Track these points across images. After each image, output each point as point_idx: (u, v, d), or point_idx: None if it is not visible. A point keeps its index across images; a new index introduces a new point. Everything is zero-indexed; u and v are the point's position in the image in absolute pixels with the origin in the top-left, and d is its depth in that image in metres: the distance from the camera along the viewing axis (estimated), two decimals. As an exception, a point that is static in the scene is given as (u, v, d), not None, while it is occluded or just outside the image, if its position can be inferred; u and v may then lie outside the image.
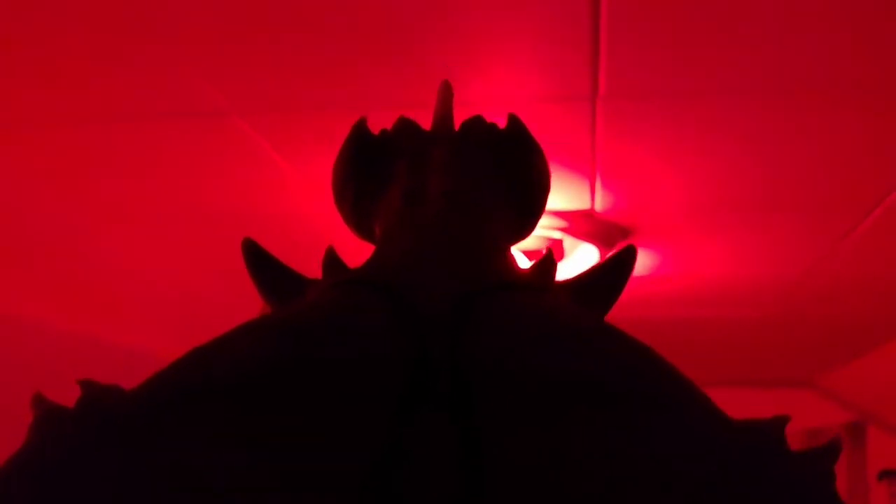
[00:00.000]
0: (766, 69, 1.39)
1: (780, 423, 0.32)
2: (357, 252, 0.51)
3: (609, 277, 0.50)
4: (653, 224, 2.12)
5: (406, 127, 0.58)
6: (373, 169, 0.54)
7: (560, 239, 2.09)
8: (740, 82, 1.43)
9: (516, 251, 0.54)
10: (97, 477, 0.25)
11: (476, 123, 0.58)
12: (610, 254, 0.50)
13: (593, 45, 1.31)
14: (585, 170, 1.79)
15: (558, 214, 2.02)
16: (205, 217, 2.19)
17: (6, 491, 0.26)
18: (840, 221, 2.10)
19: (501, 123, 0.58)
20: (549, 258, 0.51)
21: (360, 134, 0.56)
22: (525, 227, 0.55)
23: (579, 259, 2.16)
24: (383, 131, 0.57)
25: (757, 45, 1.31)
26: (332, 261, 0.49)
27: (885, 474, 4.24)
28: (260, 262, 0.49)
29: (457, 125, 0.58)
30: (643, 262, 2.45)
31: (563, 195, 1.92)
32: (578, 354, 0.35)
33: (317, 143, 1.68)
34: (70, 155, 1.80)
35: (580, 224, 2.06)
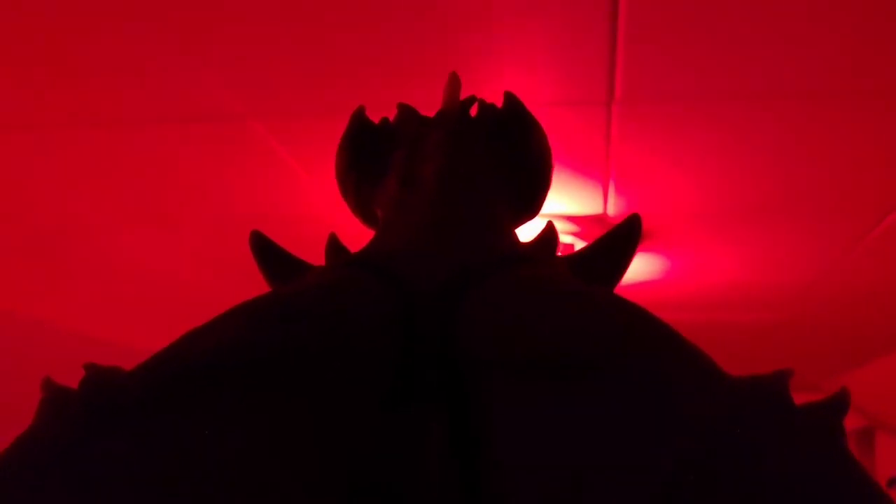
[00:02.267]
0: (781, 76, 1.39)
1: (782, 376, 0.31)
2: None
3: (614, 249, 0.48)
4: (665, 229, 2.12)
5: (405, 113, 0.58)
6: (372, 156, 0.55)
7: (572, 244, 2.09)
8: (756, 89, 1.44)
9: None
10: (100, 456, 0.26)
11: (472, 103, 0.58)
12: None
13: (610, 50, 1.32)
14: (599, 175, 1.79)
15: (571, 219, 2.03)
16: (220, 220, 2.19)
17: (13, 470, 0.26)
18: (850, 228, 2.10)
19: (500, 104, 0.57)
20: (549, 231, 0.51)
21: (358, 122, 0.57)
22: (529, 204, 0.54)
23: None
24: (384, 119, 0.58)
25: (772, 51, 1.32)
26: (333, 246, 0.50)
27: (894, 481, 4.22)
28: (266, 252, 0.50)
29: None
30: (654, 267, 2.46)
31: (577, 200, 1.93)
32: (572, 328, 0.34)
33: (333, 147, 1.68)
34: (89, 157, 1.81)
35: (593, 229, 2.06)
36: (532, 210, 0.55)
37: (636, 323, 0.35)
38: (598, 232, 2.07)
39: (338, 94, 1.49)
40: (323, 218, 2.01)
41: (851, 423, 4.66)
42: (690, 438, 0.27)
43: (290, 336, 0.33)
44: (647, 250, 2.28)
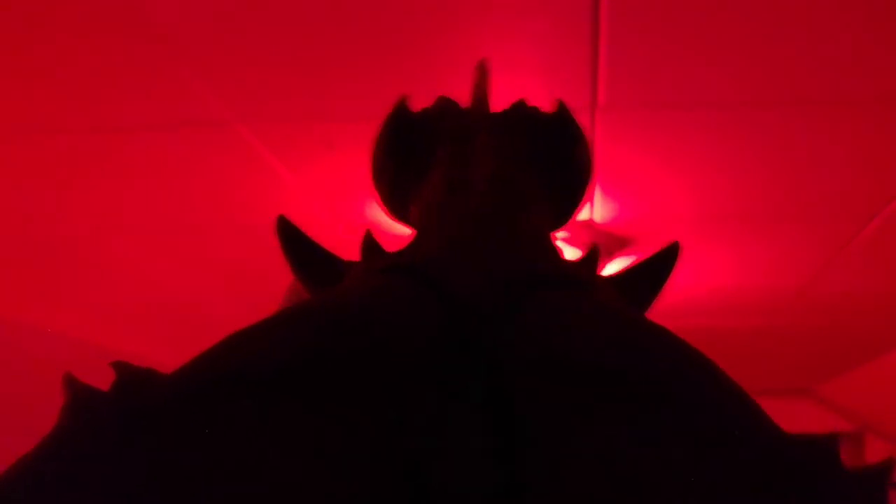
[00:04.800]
0: (765, 81, 1.39)
1: (834, 439, 0.30)
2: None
3: (653, 274, 0.49)
4: (652, 235, 2.12)
5: (447, 108, 0.56)
6: (413, 150, 0.53)
7: (561, 249, 2.09)
8: (740, 94, 1.44)
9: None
10: (133, 464, 0.25)
11: (521, 108, 0.56)
12: (617, 259, 0.49)
13: (592, 56, 1.32)
14: (584, 180, 1.79)
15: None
16: (206, 224, 2.18)
17: (41, 475, 0.25)
18: (838, 232, 2.11)
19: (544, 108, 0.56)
20: (594, 252, 0.50)
21: (401, 113, 0.55)
22: (565, 215, 0.54)
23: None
24: (424, 111, 0.56)
25: (756, 57, 1.32)
26: (370, 244, 0.48)
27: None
28: (295, 241, 0.47)
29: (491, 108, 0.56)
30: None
31: (563, 205, 1.93)
32: (626, 353, 0.34)
33: (318, 151, 1.68)
34: (72, 163, 1.80)
35: (580, 234, 2.06)
36: (564, 221, 0.54)
37: (693, 357, 0.35)
38: (586, 238, 2.07)
39: (324, 98, 1.49)
40: (311, 221, 2.00)
41: (842, 427, 4.67)
42: (748, 485, 0.27)
43: (339, 345, 0.32)
44: (632, 256, 2.29)
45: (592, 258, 0.49)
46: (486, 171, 0.49)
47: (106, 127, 1.62)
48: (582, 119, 1.57)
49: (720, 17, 1.22)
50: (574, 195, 0.54)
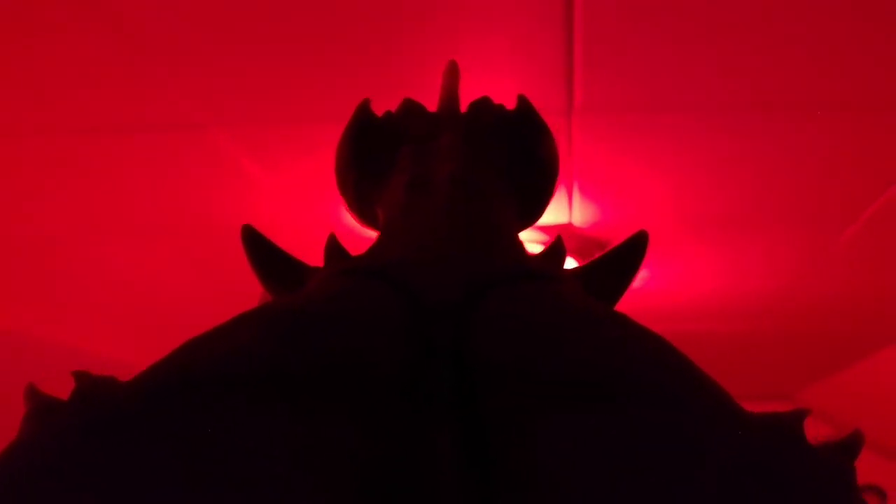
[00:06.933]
0: (745, 83, 1.39)
1: (799, 416, 0.31)
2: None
3: (620, 265, 0.48)
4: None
5: (411, 109, 0.56)
6: (376, 153, 0.53)
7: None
8: (719, 96, 1.43)
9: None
10: (92, 470, 0.25)
11: (484, 105, 0.56)
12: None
13: (567, 59, 1.31)
14: (563, 183, 1.78)
15: (536, 228, 2.01)
16: (183, 228, 2.17)
17: (3, 484, 0.25)
18: (819, 236, 2.11)
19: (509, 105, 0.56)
20: (558, 245, 0.50)
21: (362, 116, 0.54)
22: (533, 212, 0.53)
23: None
24: (387, 114, 0.55)
25: (735, 60, 1.31)
26: (334, 248, 0.47)
27: (867, 489, 4.24)
28: (259, 248, 0.47)
29: (462, 107, 0.56)
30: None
31: (541, 209, 1.91)
32: (588, 348, 0.34)
33: (294, 155, 1.67)
34: (45, 165, 1.78)
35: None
36: (534, 217, 0.53)
37: (655, 347, 0.35)
38: (567, 243, 2.05)
39: (298, 100, 1.47)
40: (286, 223, 1.99)
41: (825, 431, 4.70)
42: (711, 472, 0.27)
43: (301, 347, 0.32)
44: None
45: (556, 251, 0.49)
46: (447, 171, 0.48)
47: (79, 129, 1.60)
48: (558, 121, 1.56)
49: (697, 19, 1.21)
50: (541, 189, 0.53)
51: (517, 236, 0.49)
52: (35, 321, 3.03)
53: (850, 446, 0.30)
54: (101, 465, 0.25)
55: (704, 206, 1.93)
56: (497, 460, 0.28)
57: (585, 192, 1.83)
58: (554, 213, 1.94)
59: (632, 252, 0.48)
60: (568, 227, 2.01)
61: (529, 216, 0.53)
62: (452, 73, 0.59)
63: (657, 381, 0.32)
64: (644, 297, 2.65)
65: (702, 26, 1.23)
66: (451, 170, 0.48)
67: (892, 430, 4.18)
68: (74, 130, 1.60)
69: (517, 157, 0.52)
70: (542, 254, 0.49)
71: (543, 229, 2.01)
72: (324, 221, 1.96)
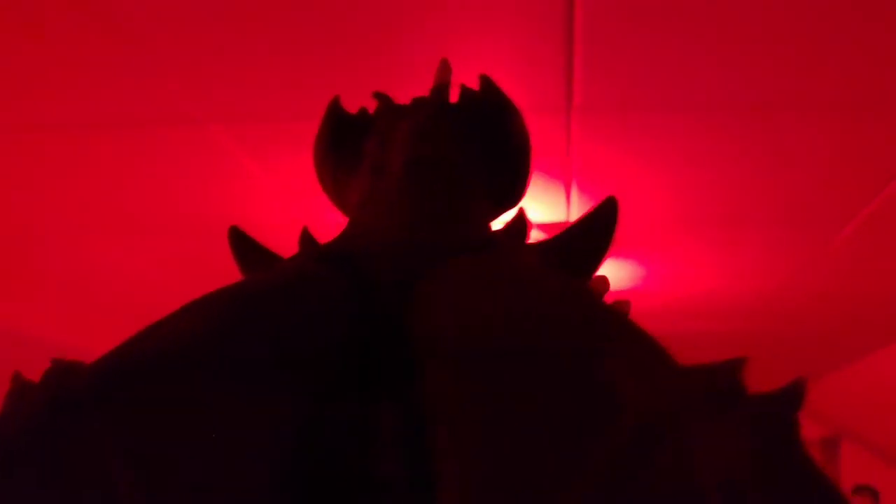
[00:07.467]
0: (744, 83, 1.39)
1: (735, 364, 0.28)
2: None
3: (590, 235, 0.46)
4: (629, 237, 2.11)
5: (382, 103, 0.57)
6: (348, 146, 0.54)
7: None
8: (715, 97, 1.43)
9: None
10: (52, 448, 0.27)
11: (446, 88, 0.57)
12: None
13: (567, 57, 1.31)
14: (561, 181, 1.78)
15: (535, 226, 2.01)
16: (179, 224, 2.16)
17: None
18: (815, 235, 2.11)
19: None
20: (519, 219, 0.49)
21: (333, 112, 0.57)
22: (509, 193, 0.53)
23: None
24: (362, 110, 0.57)
25: (732, 60, 1.32)
26: (305, 238, 0.49)
27: (860, 490, 4.26)
28: (243, 245, 0.49)
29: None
30: (617, 276, 2.45)
31: (539, 207, 1.92)
32: (512, 316, 0.34)
33: (292, 152, 1.66)
34: (42, 160, 1.77)
35: (556, 236, 2.05)
36: (512, 199, 0.53)
37: (585, 311, 0.34)
38: (563, 240, 2.06)
39: (297, 97, 1.47)
40: (282, 219, 1.98)
41: (818, 431, 4.71)
42: (624, 428, 0.26)
43: (246, 328, 0.34)
44: (609, 257, 2.29)
45: (518, 225, 0.49)
46: (403, 156, 0.49)
47: (77, 124, 1.59)
48: (558, 119, 1.56)
49: (696, 19, 1.21)
50: (511, 167, 0.54)
51: (485, 217, 0.49)
52: (27, 317, 3.03)
53: (789, 396, 0.27)
54: (54, 447, 0.27)
55: (702, 206, 1.94)
56: (429, 433, 0.30)
57: (584, 190, 1.83)
58: (552, 211, 1.95)
59: (601, 222, 0.47)
60: (566, 224, 2.01)
61: (507, 199, 0.53)
62: (444, 72, 0.60)
63: (580, 342, 0.31)
64: (641, 295, 2.65)
65: (701, 26, 1.23)
66: (406, 152, 0.49)
67: (886, 430, 4.19)
68: (69, 125, 1.59)
69: (481, 135, 0.53)
70: (502, 229, 0.49)
71: (541, 227, 2.02)
72: (320, 217, 1.95)
